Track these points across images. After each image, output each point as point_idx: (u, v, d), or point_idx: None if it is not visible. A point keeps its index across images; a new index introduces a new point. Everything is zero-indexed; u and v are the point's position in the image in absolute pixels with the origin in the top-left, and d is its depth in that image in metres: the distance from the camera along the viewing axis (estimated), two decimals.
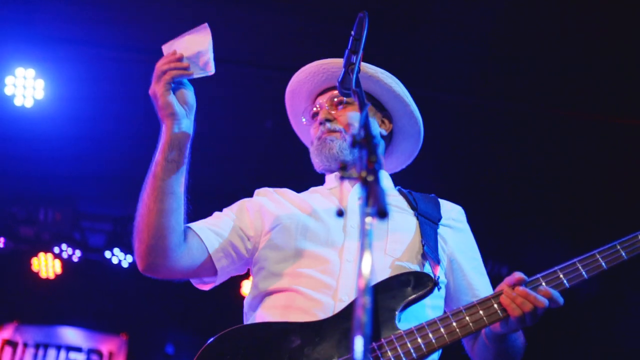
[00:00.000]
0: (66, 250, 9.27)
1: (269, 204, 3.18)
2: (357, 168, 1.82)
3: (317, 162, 3.29)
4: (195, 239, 2.98)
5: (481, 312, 2.67)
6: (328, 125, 3.22)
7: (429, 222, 3.07)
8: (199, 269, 3.00)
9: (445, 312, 2.73)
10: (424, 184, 3.48)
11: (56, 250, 9.25)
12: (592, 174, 7.27)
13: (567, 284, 2.72)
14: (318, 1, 5.93)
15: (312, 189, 3.37)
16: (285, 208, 3.14)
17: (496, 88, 6.59)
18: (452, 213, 3.22)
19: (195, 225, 3.02)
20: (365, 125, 2.04)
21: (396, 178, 3.52)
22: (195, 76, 2.86)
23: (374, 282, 2.73)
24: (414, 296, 2.72)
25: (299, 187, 3.37)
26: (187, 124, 2.87)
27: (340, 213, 1.88)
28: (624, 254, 2.76)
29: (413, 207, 3.14)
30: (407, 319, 2.74)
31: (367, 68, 3.33)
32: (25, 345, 10.19)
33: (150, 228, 2.82)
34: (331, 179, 3.34)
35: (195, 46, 2.84)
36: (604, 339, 8.76)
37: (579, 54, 6.11)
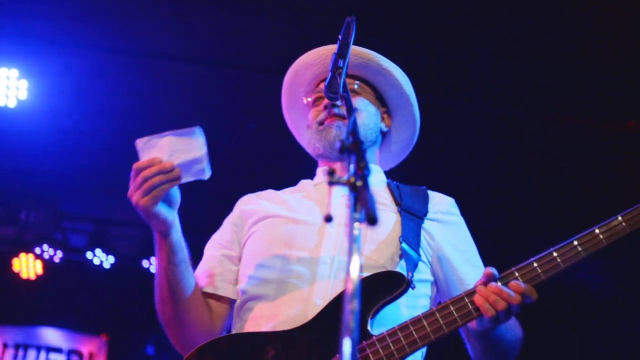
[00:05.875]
0: (47, 250, 9.21)
1: (249, 212, 3.11)
2: (346, 173, 1.83)
3: (317, 147, 3.14)
4: (213, 298, 3.01)
5: (454, 312, 2.55)
6: (335, 110, 3.07)
7: (412, 217, 2.93)
8: (227, 312, 3.02)
9: (419, 314, 2.57)
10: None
11: (37, 250, 9.19)
12: (598, 180, 7.32)
13: (543, 276, 2.57)
14: (303, 4, 5.94)
15: (301, 182, 3.27)
16: (263, 212, 3.06)
17: (500, 94, 6.66)
18: (440, 206, 3.07)
19: (209, 286, 3.01)
20: (353, 130, 2.06)
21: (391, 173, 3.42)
22: (184, 181, 2.65)
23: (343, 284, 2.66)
24: (386, 299, 2.61)
25: (285, 186, 3.30)
26: (177, 221, 2.76)
27: (329, 219, 1.85)
28: (602, 238, 2.61)
29: (397, 203, 3.01)
30: (382, 321, 2.65)
31: (381, 61, 3.26)
32: (5, 345, 10.13)
33: (185, 324, 2.85)
34: (320, 173, 3.24)
35: (189, 152, 2.58)
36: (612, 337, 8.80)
37: (579, 62, 6.17)
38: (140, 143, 2.60)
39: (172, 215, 2.69)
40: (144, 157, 2.59)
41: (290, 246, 2.87)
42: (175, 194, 2.70)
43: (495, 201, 7.85)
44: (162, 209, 2.64)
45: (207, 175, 2.61)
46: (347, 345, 1.63)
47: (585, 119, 6.86)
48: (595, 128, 6.92)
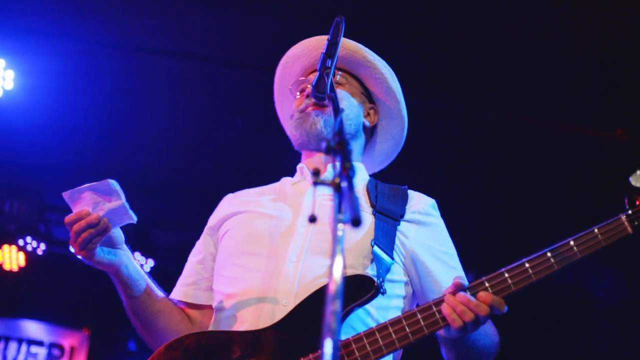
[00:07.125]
0: (31, 242, 9.15)
1: (224, 212, 3.13)
2: (331, 174, 1.83)
3: (296, 136, 3.10)
4: (191, 308, 3.08)
5: (421, 320, 2.50)
6: (316, 99, 2.93)
7: (387, 219, 2.87)
8: (209, 318, 3.02)
9: (385, 321, 2.54)
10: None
11: (21, 242, 9.13)
12: (586, 188, 7.33)
13: (513, 287, 2.49)
14: (294, 2, 5.94)
15: (282, 179, 3.23)
16: (235, 210, 3.08)
17: (489, 100, 6.69)
18: (418, 206, 2.98)
19: (184, 296, 3.09)
20: (339, 131, 2.05)
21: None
22: (114, 228, 2.74)
23: (312, 286, 2.66)
24: (355, 304, 2.57)
25: (271, 183, 3.28)
26: (127, 257, 2.84)
27: (313, 219, 1.83)
28: (577, 251, 2.50)
29: (372, 204, 2.93)
30: (352, 323, 2.65)
31: (366, 53, 3.20)
32: None
33: (162, 340, 2.83)
34: (299, 171, 3.19)
35: (109, 202, 2.68)
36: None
37: (568, 70, 6.20)
38: (66, 195, 2.70)
39: (116, 256, 2.79)
40: (74, 208, 2.70)
41: (258, 244, 2.88)
42: (117, 234, 2.77)
43: (481, 204, 7.87)
44: (102, 255, 2.74)
45: (134, 219, 2.71)
46: (328, 346, 1.62)
47: (574, 127, 6.88)
48: (583, 135, 6.94)
